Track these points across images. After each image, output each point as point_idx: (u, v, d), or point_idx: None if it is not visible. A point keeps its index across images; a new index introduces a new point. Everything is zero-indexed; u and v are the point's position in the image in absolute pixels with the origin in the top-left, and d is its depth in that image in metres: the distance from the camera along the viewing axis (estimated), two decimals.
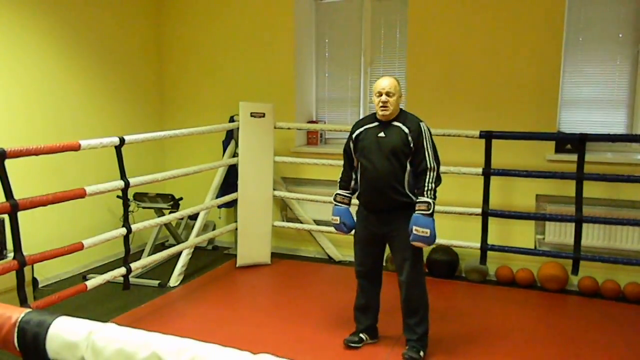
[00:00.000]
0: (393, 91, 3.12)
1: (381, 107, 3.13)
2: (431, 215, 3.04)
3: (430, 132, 3.17)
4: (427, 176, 3.08)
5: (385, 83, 3.15)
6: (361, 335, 3.41)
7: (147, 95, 5.59)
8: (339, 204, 3.37)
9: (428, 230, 3.00)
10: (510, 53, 4.46)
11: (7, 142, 3.24)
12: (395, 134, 3.13)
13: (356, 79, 5.26)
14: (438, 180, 3.13)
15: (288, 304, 4.14)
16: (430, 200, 3.05)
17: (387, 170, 3.12)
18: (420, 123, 3.16)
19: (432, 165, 3.11)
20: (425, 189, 3.07)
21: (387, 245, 3.31)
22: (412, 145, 3.09)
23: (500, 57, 4.50)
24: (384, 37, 5.11)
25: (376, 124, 3.21)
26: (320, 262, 5.11)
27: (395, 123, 3.16)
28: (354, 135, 3.29)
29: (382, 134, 3.16)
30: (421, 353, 3.19)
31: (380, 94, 3.13)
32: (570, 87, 4.51)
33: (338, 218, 3.34)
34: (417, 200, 3.08)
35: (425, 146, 3.10)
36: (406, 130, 3.11)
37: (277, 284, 4.66)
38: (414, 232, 3.01)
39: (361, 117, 5.20)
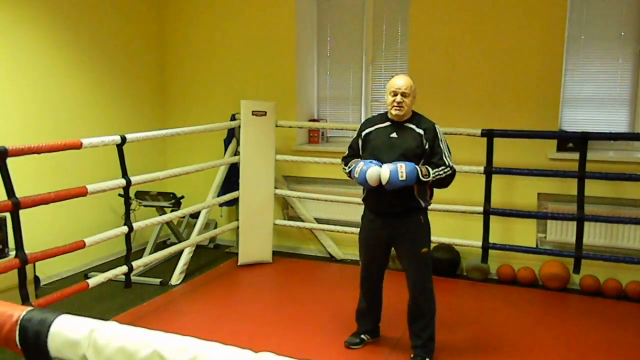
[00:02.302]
0: (408, 92, 3.02)
1: (395, 107, 3.03)
2: (420, 177, 2.94)
3: (443, 135, 3.11)
4: (444, 167, 3.02)
5: (401, 82, 3.03)
6: (362, 336, 3.40)
7: (149, 93, 5.59)
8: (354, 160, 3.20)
9: (405, 177, 2.90)
10: (512, 51, 4.45)
11: (8, 141, 3.24)
12: (409, 135, 3.06)
13: (358, 77, 5.26)
14: (449, 178, 3.04)
15: (289, 302, 4.14)
16: (432, 174, 2.97)
17: None
18: (435, 125, 3.09)
19: (451, 165, 3.04)
20: (437, 169, 3.00)
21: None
22: (426, 147, 3.03)
23: (502, 55, 4.49)
24: (385, 35, 5.10)
25: (388, 123, 3.13)
26: (321, 261, 5.11)
27: (408, 124, 3.08)
28: (363, 134, 3.21)
29: (394, 135, 3.07)
30: None
31: (396, 94, 3.02)
32: (572, 86, 4.50)
33: (362, 164, 3.04)
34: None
35: (442, 148, 3.05)
36: (420, 131, 3.04)
37: (279, 283, 4.66)
38: (398, 166, 2.92)
39: (362, 115, 5.22)
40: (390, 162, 3.00)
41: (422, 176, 2.95)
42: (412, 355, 3.17)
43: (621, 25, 4.35)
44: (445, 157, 3.04)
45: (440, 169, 3.01)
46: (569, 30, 4.37)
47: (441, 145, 3.06)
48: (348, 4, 5.22)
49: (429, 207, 3.22)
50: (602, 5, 4.38)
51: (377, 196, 3.11)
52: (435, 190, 3.26)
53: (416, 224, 3.10)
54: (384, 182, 2.94)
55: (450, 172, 3.04)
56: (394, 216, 3.10)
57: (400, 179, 2.90)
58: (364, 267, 3.32)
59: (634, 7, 4.31)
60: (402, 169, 2.91)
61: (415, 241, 3.10)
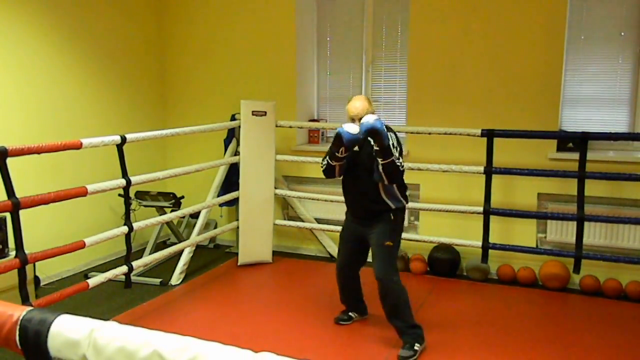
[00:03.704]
0: (365, 114, 3.18)
1: None
2: (389, 143, 3.05)
3: (396, 135, 3.26)
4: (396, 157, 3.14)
5: (357, 109, 3.25)
6: (350, 314, 3.69)
7: (149, 93, 5.59)
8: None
9: (381, 127, 3.00)
10: (512, 51, 4.45)
11: (8, 141, 3.24)
12: (368, 146, 3.24)
13: (358, 77, 5.26)
14: (399, 170, 3.13)
15: (289, 302, 4.14)
16: (394, 155, 3.07)
17: (363, 183, 3.29)
18: (389, 129, 3.25)
19: (398, 157, 3.13)
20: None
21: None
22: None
23: (502, 55, 4.49)
24: (385, 36, 5.10)
25: None
26: (321, 261, 5.11)
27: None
28: None
29: (356, 148, 3.27)
30: (416, 346, 3.21)
31: (354, 120, 3.24)
32: (572, 86, 4.51)
33: (340, 133, 3.12)
34: None
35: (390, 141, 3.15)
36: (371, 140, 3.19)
37: (279, 283, 4.66)
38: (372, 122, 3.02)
39: None
40: (357, 174, 3.32)
41: (390, 144, 3.07)
42: (402, 345, 3.25)
43: (621, 26, 4.35)
44: (394, 152, 3.12)
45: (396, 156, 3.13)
46: (569, 30, 4.37)
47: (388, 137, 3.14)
48: (348, 4, 5.22)
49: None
50: (602, 5, 4.38)
51: (351, 203, 3.47)
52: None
53: (385, 221, 3.31)
54: (365, 120, 3.04)
55: (400, 164, 3.13)
56: (366, 218, 3.37)
57: (379, 125, 3.00)
58: (340, 260, 3.60)
59: (634, 7, 4.31)
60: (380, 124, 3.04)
61: (380, 234, 3.30)
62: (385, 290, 3.25)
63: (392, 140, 3.16)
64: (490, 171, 4.15)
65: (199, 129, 4.56)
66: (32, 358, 1.13)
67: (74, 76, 4.71)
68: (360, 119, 3.16)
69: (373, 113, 3.25)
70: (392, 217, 3.32)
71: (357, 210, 3.43)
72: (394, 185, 3.29)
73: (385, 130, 3.07)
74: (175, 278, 4.54)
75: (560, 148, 4.42)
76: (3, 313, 1.16)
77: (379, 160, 3.10)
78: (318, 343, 3.46)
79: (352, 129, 3.10)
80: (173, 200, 4.85)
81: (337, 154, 3.21)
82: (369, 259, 3.53)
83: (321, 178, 5.11)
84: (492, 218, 4.20)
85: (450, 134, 4.24)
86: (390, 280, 3.25)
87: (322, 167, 3.40)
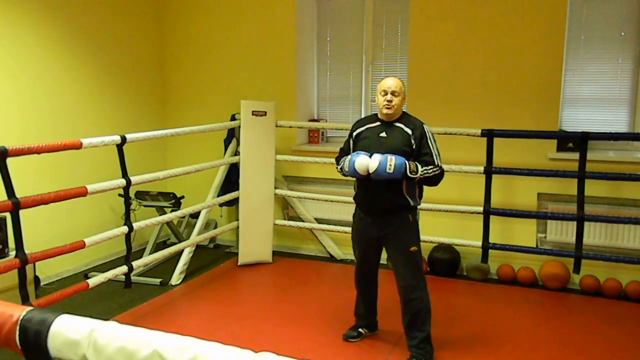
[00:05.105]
0: (398, 91, 3.10)
1: (385, 105, 3.10)
2: (408, 173, 2.97)
3: (432, 135, 3.16)
4: (432, 167, 3.05)
5: (390, 82, 3.13)
6: (360, 330, 3.48)
7: (149, 93, 5.59)
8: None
9: (393, 169, 2.94)
10: (512, 51, 4.45)
11: (8, 141, 3.24)
12: (397, 134, 3.11)
13: (358, 77, 5.26)
14: (437, 177, 3.08)
15: (289, 302, 4.14)
16: (420, 171, 3.00)
17: None
18: (423, 125, 3.15)
19: (439, 164, 3.08)
20: (426, 167, 3.03)
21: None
22: (414, 146, 3.08)
23: (502, 55, 4.49)
24: (385, 35, 5.10)
25: (378, 123, 3.20)
26: (321, 261, 5.11)
27: (397, 124, 3.14)
28: (354, 134, 3.29)
29: (383, 134, 3.13)
30: None
31: (386, 93, 3.11)
32: (572, 86, 4.51)
33: (350, 158, 3.11)
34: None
35: (430, 147, 3.09)
36: (408, 131, 3.10)
37: (279, 283, 4.66)
38: (388, 158, 2.96)
39: (362, 115, 5.22)
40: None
41: (410, 172, 2.99)
42: (409, 357, 3.17)
43: (621, 25, 4.35)
44: (434, 157, 3.08)
45: (429, 167, 3.05)
46: (569, 30, 4.37)
47: (429, 144, 3.10)
48: (348, 4, 5.22)
49: (420, 207, 3.27)
50: (602, 5, 4.38)
51: (366, 194, 3.19)
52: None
53: (405, 222, 3.14)
54: (371, 172, 2.99)
55: (438, 171, 3.08)
56: (383, 214, 3.15)
57: (388, 170, 2.95)
58: (358, 267, 3.41)
59: (634, 7, 4.30)
60: (391, 161, 2.96)
61: (404, 240, 3.14)
62: (411, 299, 3.12)
63: (429, 141, 3.08)
64: (490, 171, 4.15)
65: (199, 129, 4.56)
66: (32, 358, 1.13)
67: (74, 76, 4.71)
68: (393, 92, 3.08)
69: (404, 97, 3.16)
70: (411, 218, 3.14)
71: (372, 206, 3.16)
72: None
73: (395, 170, 2.94)
74: (175, 278, 4.54)
75: (560, 148, 4.42)
76: (3, 313, 1.16)
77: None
78: (318, 343, 3.46)
79: (362, 163, 3.00)
80: (173, 200, 4.85)
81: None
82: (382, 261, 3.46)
83: (321, 178, 5.14)
84: (492, 218, 4.20)
85: (450, 133, 4.24)
86: (417, 287, 3.12)
87: (338, 169, 3.30)
